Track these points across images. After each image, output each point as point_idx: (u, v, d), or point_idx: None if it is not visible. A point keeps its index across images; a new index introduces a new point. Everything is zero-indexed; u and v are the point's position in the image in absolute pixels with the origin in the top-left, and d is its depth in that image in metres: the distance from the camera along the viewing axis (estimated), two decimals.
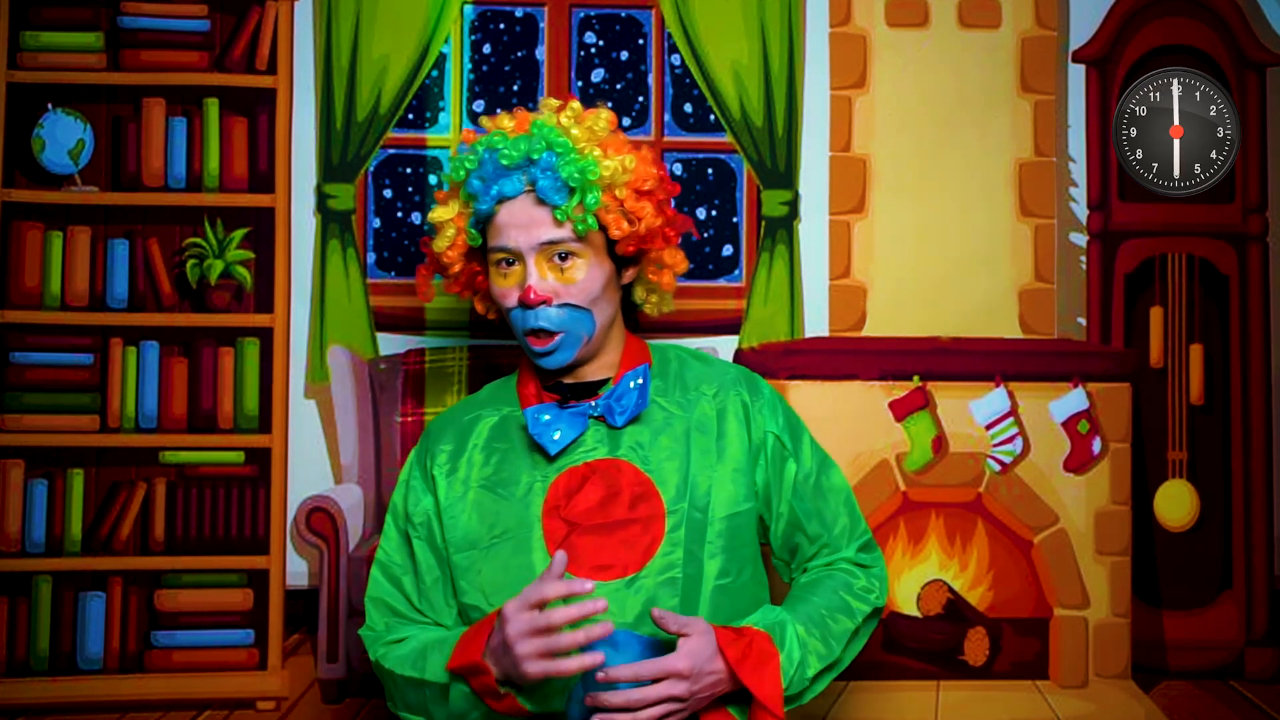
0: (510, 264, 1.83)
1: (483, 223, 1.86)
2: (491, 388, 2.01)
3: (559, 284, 1.81)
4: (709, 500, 1.84)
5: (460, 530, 1.87)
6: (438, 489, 1.90)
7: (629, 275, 1.92)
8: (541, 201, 1.81)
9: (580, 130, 1.84)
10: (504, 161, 1.81)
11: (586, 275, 1.82)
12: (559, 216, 1.80)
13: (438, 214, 1.92)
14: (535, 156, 1.81)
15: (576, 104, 1.89)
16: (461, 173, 1.87)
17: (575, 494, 1.83)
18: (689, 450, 1.86)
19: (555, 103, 1.91)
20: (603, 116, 1.88)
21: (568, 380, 1.90)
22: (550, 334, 1.82)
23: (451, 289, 2.00)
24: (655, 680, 1.69)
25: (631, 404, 1.85)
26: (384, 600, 1.93)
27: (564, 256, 1.82)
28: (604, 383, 1.90)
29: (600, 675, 1.66)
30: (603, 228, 1.84)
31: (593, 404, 1.86)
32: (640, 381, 1.87)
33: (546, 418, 1.84)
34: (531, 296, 1.80)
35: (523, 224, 1.81)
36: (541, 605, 1.66)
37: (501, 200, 1.82)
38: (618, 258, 1.88)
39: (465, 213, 1.89)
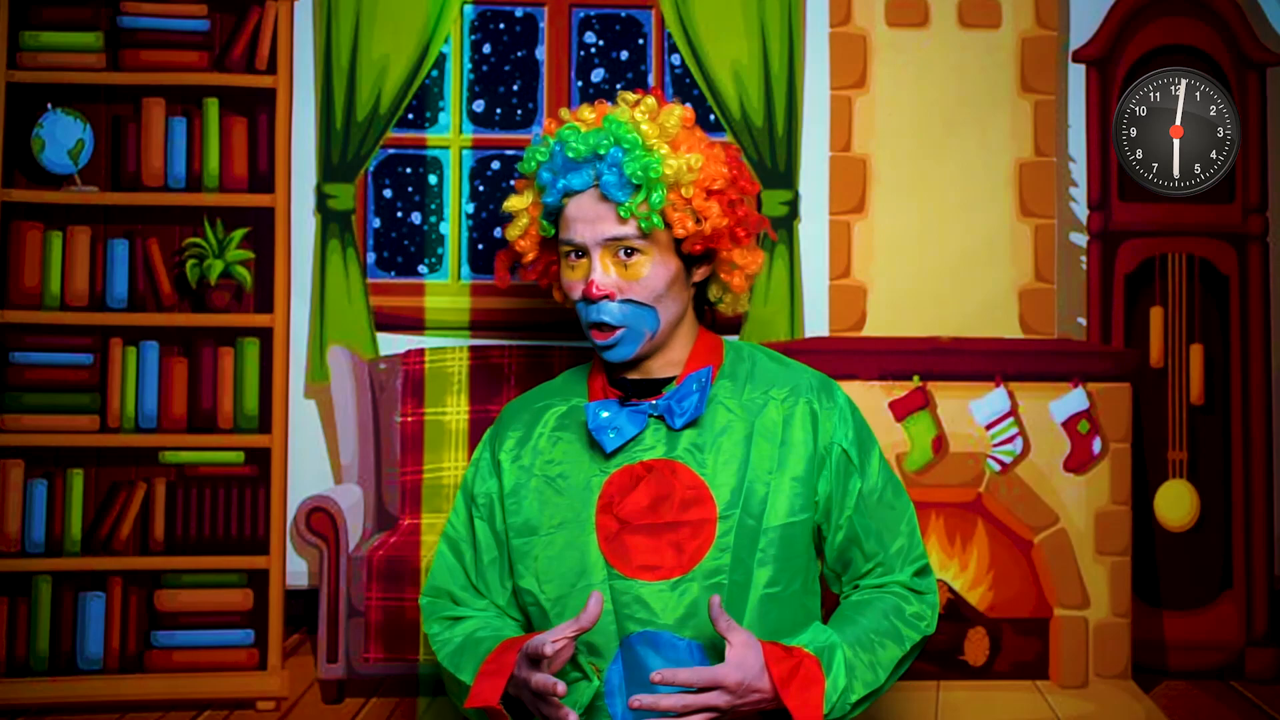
0: (578, 256, 1.84)
1: (553, 214, 1.87)
2: (566, 375, 2.02)
3: (623, 280, 1.81)
4: (764, 508, 1.83)
5: (521, 516, 1.90)
6: (503, 474, 1.92)
7: (700, 273, 1.90)
8: (606, 197, 1.81)
9: (651, 126, 1.82)
10: (571, 155, 1.82)
11: (651, 272, 1.82)
12: (623, 213, 1.80)
13: (512, 203, 1.93)
14: (602, 152, 1.81)
15: (652, 99, 1.88)
16: (533, 164, 1.88)
17: (628, 493, 1.83)
18: (749, 455, 1.85)
19: (632, 97, 1.90)
20: (675, 113, 1.86)
21: (632, 376, 1.90)
22: (612, 328, 1.82)
23: (527, 277, 2.01)
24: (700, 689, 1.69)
25: (691, 407, 1.84)
26: (444, 571, 1.97)
27: (629, 252, 1.81)
28: (669, 381, 1.89)
29: (655, 677, 1.67)
30: (668, 225, 1.83)
31: (653, 403, 1.85)
32: (703, 383, 1.86)
33: (606, 414, 1.84)
34: (594, 291, 1.80)
35: (589, 219, 1.81)
36: (539, 657, 1.68)
37: (569, 194, 1.83)
38: (686, 256, 1.87)
39: (538, 203, 1.90)
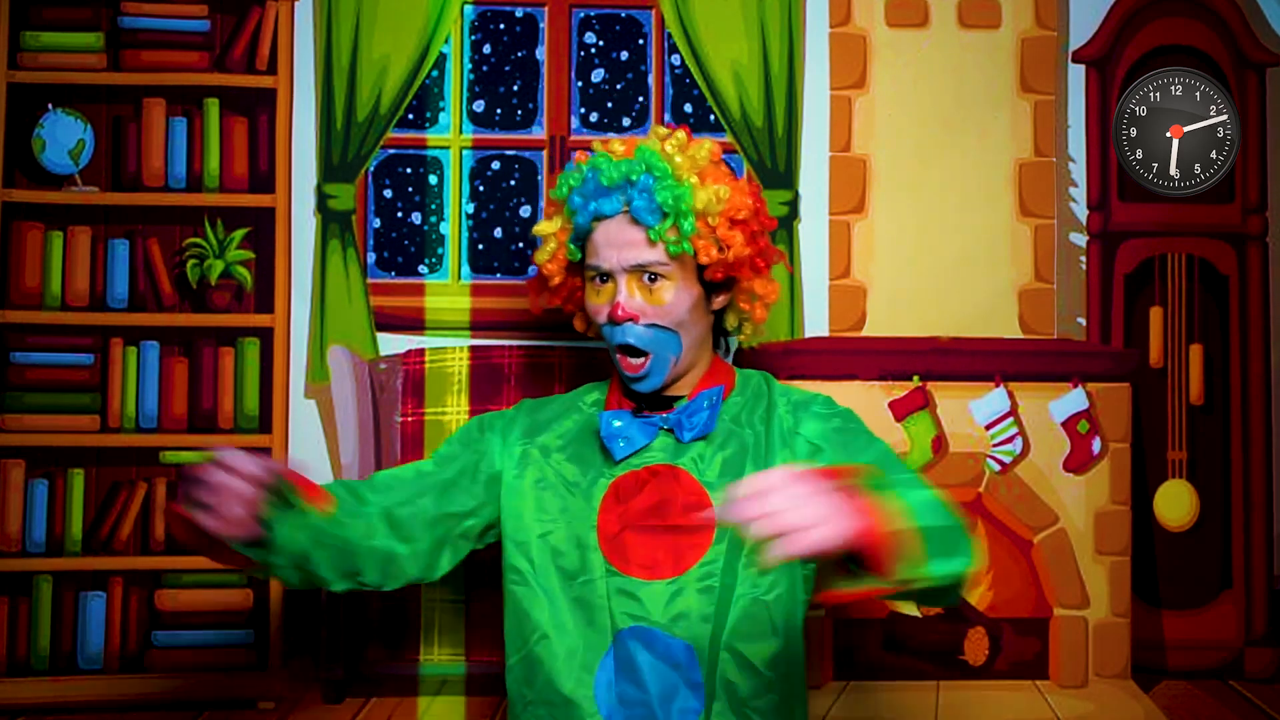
0: (604, 280, 1.91)
1: (581, 239, 1.93)
2: (587, 387, 2.08)
3: (647, 304, 1.88)
4: None
5: (519, 512, 1.94)
6: (510, 457, 1.98)
7: (719, 301, 1.97)
8: (636, 222, 1.87)
9: (682, 158, 1.89)
10: (604, 181, 1.88)
11: (674, 298, 1.88)
12: (652, 237, 1.86)
13: (542, 228, 2.00)
14: (634, 178, 1.87)
15: (682, 133, 1.95)
16: (565, 189, 1.95)
17: (633, 495, 1.90)
18: (743, 469, 1.90)
19: (664, 131, 1.97)
20: (705, 146, 1.94)
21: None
22: (640, 354, 1.88)
23: (552, 302, 2.08)
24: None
25: (701, 423, 1.91)
26: (398, 469, 2.00)
27: (653, 278, 1.88)
28: (681, 396, 1.95)
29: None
30: (694, 253, 1.88)
31: (664, 416, 1.92)
32: (713, 402, 1.93)
33: (618, 424, 1.92)
34: (619, 313, 1.87)
35: (617, 243, 1.88)
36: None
37: (599, 218, 1.89)
38: (707, 283, 1.93)
39: (566, 228, 1.96)
